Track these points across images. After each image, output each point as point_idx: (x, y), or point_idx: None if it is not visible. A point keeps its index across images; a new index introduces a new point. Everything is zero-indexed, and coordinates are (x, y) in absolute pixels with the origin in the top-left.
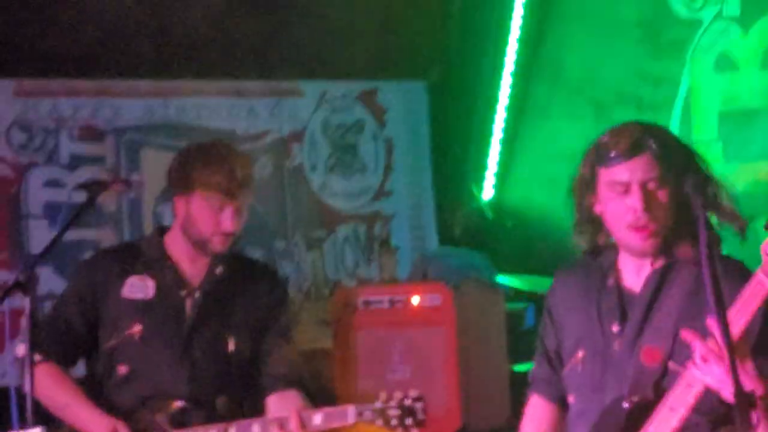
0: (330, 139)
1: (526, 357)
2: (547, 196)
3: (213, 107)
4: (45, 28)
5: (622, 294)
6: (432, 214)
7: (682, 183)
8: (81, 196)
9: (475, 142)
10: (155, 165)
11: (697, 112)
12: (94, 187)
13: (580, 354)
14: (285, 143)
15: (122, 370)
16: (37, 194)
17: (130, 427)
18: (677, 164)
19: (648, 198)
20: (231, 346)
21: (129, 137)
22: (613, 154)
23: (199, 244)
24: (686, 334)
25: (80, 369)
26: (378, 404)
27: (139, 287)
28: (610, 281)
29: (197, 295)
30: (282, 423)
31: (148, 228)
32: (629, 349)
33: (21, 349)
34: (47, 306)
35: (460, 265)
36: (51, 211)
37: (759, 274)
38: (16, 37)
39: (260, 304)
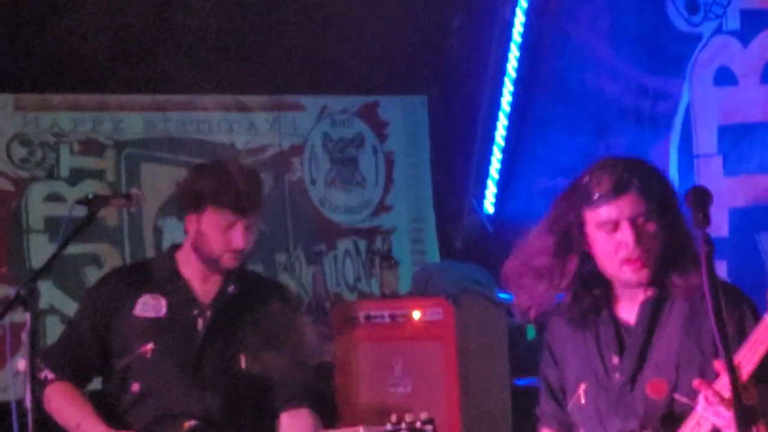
0: (330, 153)
1: (528, 371)
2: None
3: (213, 121)
4: (45, 42)
5: (617, 325)
6: (433, 228)
7: (684, 198)
8: (82, 211)
9: (475, 156)
10: (155, 179)
11: (697, 127)
12: (94, 202)
13: (582, 387)
14: (285, 157)
15: (135, 388)
16: (37, 209)
17: None
18: (661, 196)
19: (638, 232)
20: (243, 363)
21: (129, 151)
22: (596, 196)
23: (210, 262)
24: (698, 384)
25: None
26: (388, 426)
27: (151, 306)
28: (604, 313)
29: (209, 313)
30: None
31: (149, 242)
32: (630, 381)
33: (22, 364)
34: (48, 321)
35: (461, 279)
36: (51, 225)
37: (767, 318)
38: (15, 51)
39: (272, 321)
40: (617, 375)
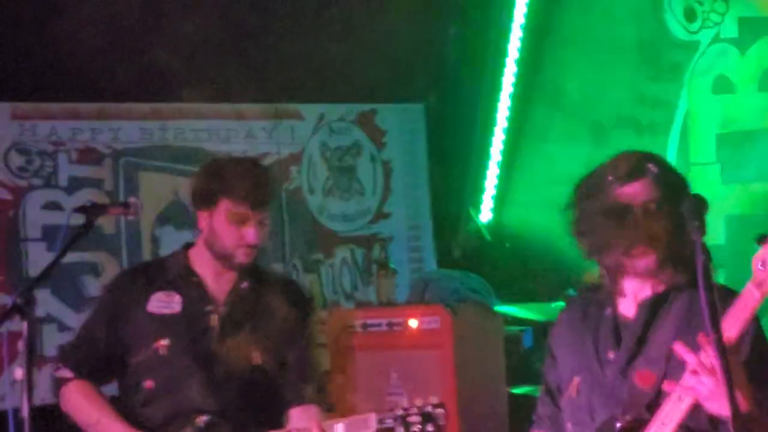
0: (328, 161)
1: (525, 380)
2: (545, 219)
3: (211, 130)
4: (43, 51)
5: (617, 322)
6: (430, 237)
7: (679, 205)
8: (79, 219)
9: (473, 165)
10: (153, 187)
11: (694, 135)
12: (92, 210)
13: (576, 381)
14: (283, 166)
15: (149, 384)
16: (35, 217)
17: None
18: (675, 187)
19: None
20: (257, 359)
21: (127, 160)
22: (610, 179)
23: (224, 258)
24: (678, 348)
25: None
26: (399, 411)
27: (165, 302)
28: (608, 311)
29: (222, 309)
30: None
31: (146, 251)
32: (620, 374)
33: (19, 372)
34: (45, 329)
35: (459, 287)
36: (49, 233)
37: (749, 285)
38: (13, 60)
39: (285, 318)
40: (610, 369)
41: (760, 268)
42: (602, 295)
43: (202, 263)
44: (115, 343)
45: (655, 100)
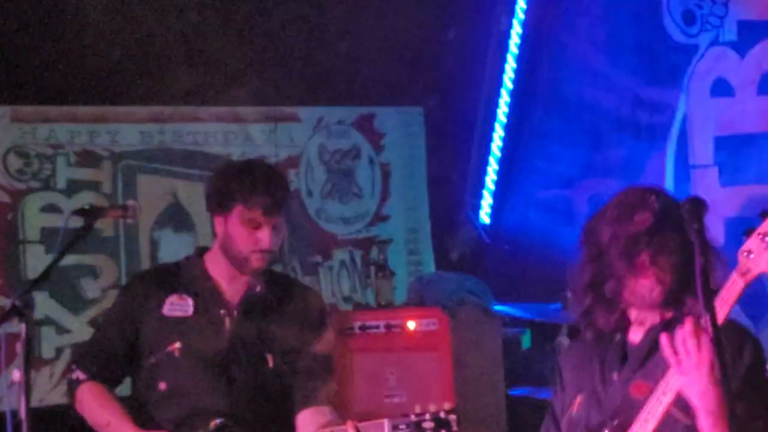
0: (327, 164)
1: (523, 381)
2: (544, 221)
3: (209, 133)
4: (42, 54)
5: (625, 347)
6: (429, 239)
7: (680, 206)
8: (78, 222)
9: (472, 167)
10: (152, 190)
11: (693, 138)
12: (91, 213)
13: (578, 400)
14: (281, 168)
15: (162, 386)
16: (33, 220)
17: None
18: (678, 220)
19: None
20: (270, 363)
21: (126, 163)
22: (617, 213)
23: (238, 262)
24: (663, 339)
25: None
26: (412, 417)
27: (178, 305)
28: (618, 336)
29: (236, 313)
30: None
31: (145, 254)
32: (620, 388)
33: (16, 374)
34: (43, 331)
35: (457, 290)
36: (48, 236)
37: (734, 274)
38: (13, 63)
39: (298, 321)
40: (613, 389)
41: (746, 257)
42: (613, 320)
43: (216, 267)
44: (129, 345)
45: (653, 103)
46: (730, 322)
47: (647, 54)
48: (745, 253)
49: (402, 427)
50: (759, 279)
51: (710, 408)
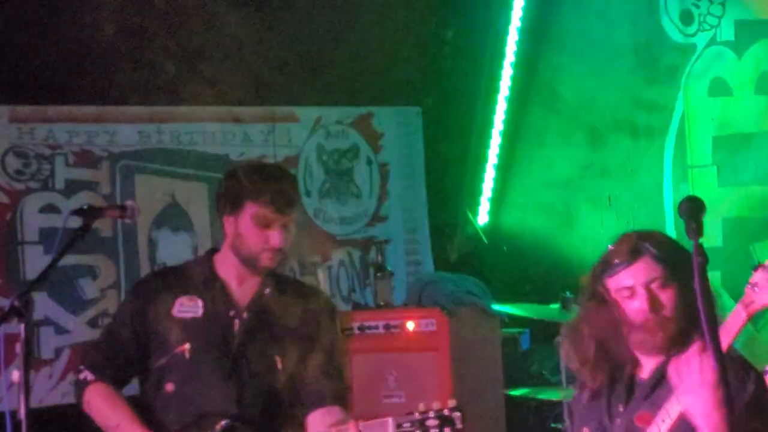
0: (325, 164)
1: (522, 382)
2: (542, 221)
3: (208, 133)
4: (41, 54)
5: (633, 381)
6: (427, 240)
7: (677, 207)
8: (76, 222)
9: (470, 168)
10: (150, 191)
11: (691, 137)
12: (89, 213)
13: (585, 431)
14: None
15: (170, 387)
16: (32, 220)
17: None
18: (678, 262)
19: (652, 298)
20: (279, 365)
21: (124, 163)
22: (616, 262)
23: (249, 262)
24: (671, 362)
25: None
26: (417, 415)
27: (188, 307)
28: (627, 372)
29: (245, 314)
30: None
31: (143, 254)
32: (625, 420)
33: (16, 375)
34: (42, 332)
35: (456, 290)
36: (46, 236)
37: (738, 306)
38: (11, 63)
39: (307, 323)
40: (618, 420)
41: (752, 289)
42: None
43: (226, 268)
44: (138, 346)
45: (651, 103)
46: (735, 356)
47: (645, 53)
48: (751, 286)
49: (406, 425)
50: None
51: (713, 428)
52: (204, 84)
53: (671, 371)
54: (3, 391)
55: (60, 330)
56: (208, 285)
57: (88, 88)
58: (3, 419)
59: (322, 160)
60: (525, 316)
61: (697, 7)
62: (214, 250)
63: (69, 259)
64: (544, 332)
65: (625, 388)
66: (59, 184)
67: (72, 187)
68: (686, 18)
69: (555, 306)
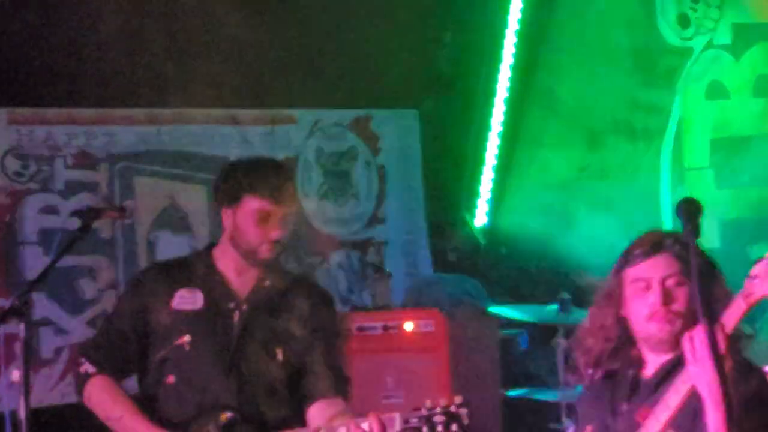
0: (323, 166)
1: (520, 382)
2: (540, 223)
3: (206, 135)
4: (40, 56)
5: (638, 381)
6: (425, 241)
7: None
8: (76, 223)
9: (468, 170)
10: (149, 192)
11: (688, 140)
12: (88, 214)
13: (588, 428)
14: None
15: (170, 379)
16: (31, 221)
17: None
18: (696, 263)
19: (666, 292)
20: (279, 356)
21: (123, 165)
22: (637, 252)
23: (248, 254)
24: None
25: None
26: (423, 411)
27: (188, 299)
28: (631, 372)
29: (245, 307)
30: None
31: (142, 255)
32: (627, 417)
33: (16, 374)
34: (42, 332)
35: (454, 291)
36: (46, 237)
37: (738, 297)
38: (10, 65)
39: (307, 315)
40: (621, 418)
41: (751, 281)
42: (626, 360)
43: (225, 261)
44: (139, 338)
45: (649, 106)
46: (742, 358)
47: (642, 57)
48: (751, 278)
49: (413, 421)
50: None
51: (717, 399)
52: (203, 86)
53: (685, 344)
54: (3, 391)
55: (59, 330)
56: (208, 277)
57: (87, 90)
58: (3, 419)
59: (321, 162)
60: (523, 321)
61: (695, 10)
62: (212, 244)
63: (68, 260)
64: (543, 333)
65: (628, 387)
66: (59, 185)
67: (71, 189)
68: (683, 21)
69: (553, 307)
